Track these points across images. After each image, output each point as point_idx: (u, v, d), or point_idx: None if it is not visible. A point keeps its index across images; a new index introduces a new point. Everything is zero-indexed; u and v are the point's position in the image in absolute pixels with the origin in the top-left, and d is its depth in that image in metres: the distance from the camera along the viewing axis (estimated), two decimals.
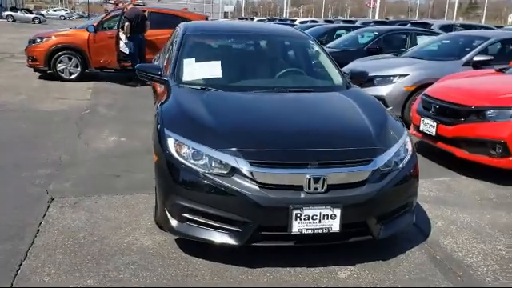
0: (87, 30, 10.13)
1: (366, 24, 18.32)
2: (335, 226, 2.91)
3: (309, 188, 2.87)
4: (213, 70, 4.04)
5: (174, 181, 3.02)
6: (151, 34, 10.25)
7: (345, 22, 21.54)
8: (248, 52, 4.60)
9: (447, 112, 5.23)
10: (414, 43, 10.16)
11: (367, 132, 3.24)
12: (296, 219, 2.85)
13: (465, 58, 7.32)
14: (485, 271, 3.17)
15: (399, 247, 3.41)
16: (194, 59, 4.13)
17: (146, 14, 10.29)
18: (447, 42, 8.22)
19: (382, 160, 3.07)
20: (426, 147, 5.80)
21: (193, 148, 3.02)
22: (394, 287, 2.95)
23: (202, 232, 2.98)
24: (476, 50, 7.39)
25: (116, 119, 7.17)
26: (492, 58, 7.21)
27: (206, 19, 11.35)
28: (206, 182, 2.91)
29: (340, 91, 4.00)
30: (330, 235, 2.95)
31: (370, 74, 4.97)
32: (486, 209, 4.25)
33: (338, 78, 4.27)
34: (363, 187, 2.97)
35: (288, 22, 25.15)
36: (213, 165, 2.94)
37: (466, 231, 3.77)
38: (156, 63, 5.26)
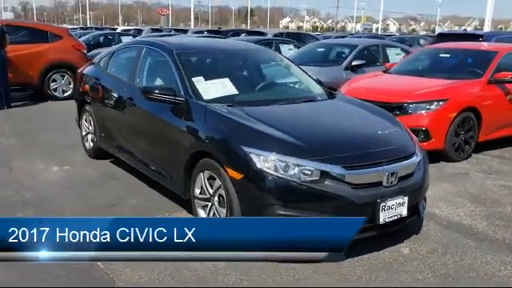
0: None
1: (198, 32, 19.06)
2: (404, 211, 3.50)
3: (387, 182, 3.39)
4: (226, 86, 4.17)
5: (271, 194, 3.19)
6: (11, 49, 9.05)
7: (176, 31, 21.82)
8: (240, 67, 4.76)
9: None
10: (278, 52, 11.23)
11: (399, 131, 3.90)
12: (382, 211, 3.34)
13: (344, 63, 8.61)
14: (482, 228, 4.13)
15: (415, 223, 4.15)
16: (202, 77, 4.18)
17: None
18: (322, 49, 9.46)
19: (419, 152, 3.76)
20: None
21: (280, 160, 3.24)
22: (402, 287, 3.67)
23: None
24: (351, 56, 8.75)
25: (29, 147, 6.32)
26: (365, 62, 8.65)
27: (68, 31, 10.49)
28: (304, 190, 3.18)
29: (337, 99, 4.54)
30: (400, 220, 3.52)
31: None
32: (433, 183, 5.32)
33: (319, 87, 4.82)
34: (413, 176, 3.62)
35: (107, 31, 24.12)
36: (302, 173, 3.22)
37: (439, 202, 4.73)
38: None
